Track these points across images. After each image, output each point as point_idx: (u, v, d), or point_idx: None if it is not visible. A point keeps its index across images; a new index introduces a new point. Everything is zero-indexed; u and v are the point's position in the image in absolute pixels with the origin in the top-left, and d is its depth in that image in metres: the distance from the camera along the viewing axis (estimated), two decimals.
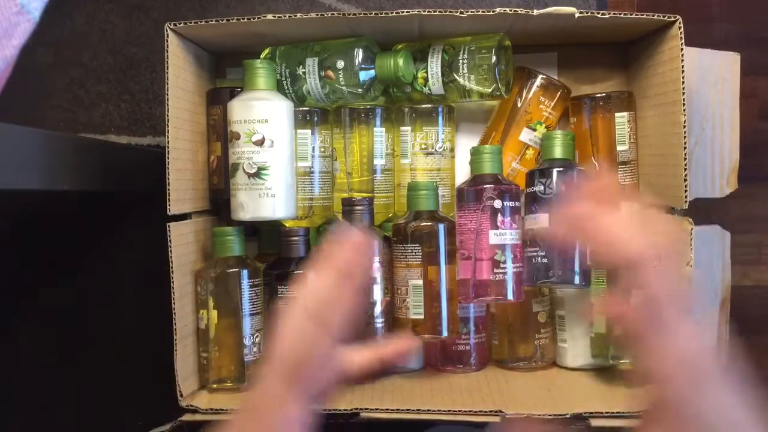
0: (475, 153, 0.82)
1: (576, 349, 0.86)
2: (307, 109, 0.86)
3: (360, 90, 0.83)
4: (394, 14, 0.77)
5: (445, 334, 0.80)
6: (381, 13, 0.77)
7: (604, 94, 0.87)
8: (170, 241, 0.76)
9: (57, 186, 0.70)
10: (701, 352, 0.48)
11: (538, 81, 0.87)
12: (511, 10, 0.76)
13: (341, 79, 0.82)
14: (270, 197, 0.80)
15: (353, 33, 0.84)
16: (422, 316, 0.79)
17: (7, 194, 0.62)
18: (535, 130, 0.87)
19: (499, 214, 0.79)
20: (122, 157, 0.91)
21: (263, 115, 0.79)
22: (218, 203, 0.87)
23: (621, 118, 0.86)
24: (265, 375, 0.49)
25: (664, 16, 0.77)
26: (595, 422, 0.74)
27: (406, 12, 0.76)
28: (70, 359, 0.95)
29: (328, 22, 0.79)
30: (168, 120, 0.78)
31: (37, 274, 0.93)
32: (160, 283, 0.77)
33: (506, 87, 0.84)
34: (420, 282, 0.79)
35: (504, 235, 0.79)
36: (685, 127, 0.75)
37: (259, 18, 0.78)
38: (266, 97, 0.81)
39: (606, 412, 0.74)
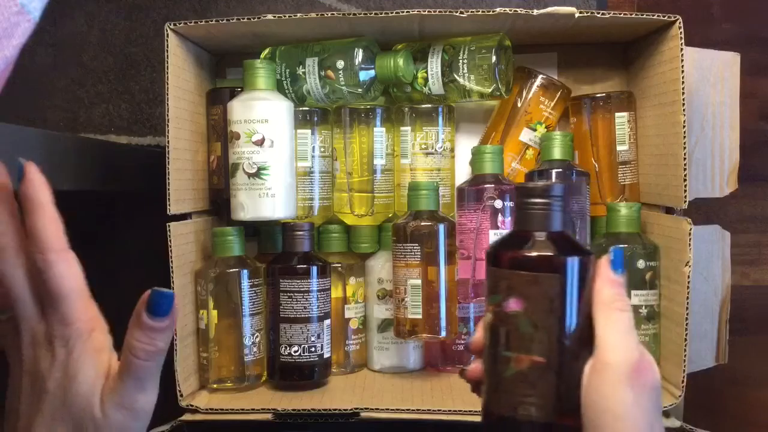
0: (476, 153, 0.82)
1: None
2: (307, 109, 0.86)
3: (360, 90, 0.83)
4: (394, 14, 0.77)
5: (443, 334, 0.80)
6: (381, 13, 0.77)
7: (604, 94, 0.87)
8: (170, 241, 0.76)
9: (57, 186, 0.69)
10: None
11: (538, 81, 0.87)
12: (511, 10, 0.76)
13: (341, 79, 0.82)
14: (270, 197, 0.80)
15: (353, 33, 0.84)
16: (420, 316, 0.80)
17: None
18: (535, 130, 0.87)
19: (499, 214, 0.79)
20: (122, 157, 0.91)
21: (263, 115, 0.79)
22: (218, 203, 0.87)
23: (621, 118, 0.86)
24: None
25: (664, 16, 0.77)
26: None
27: (406, 12, 0.76)
28: None
29: (328, 22, 0.79)
30: (168, 120, 0.78)
31: None
32: (160, 283, 0.77)
33: (506, 87, 0.84)
34: (419, 282, 0.79)
35: None
36: (685, 127, 0.75)
37: (259, 18, 0.78)
38: (266, 97, 0.81)
39: None
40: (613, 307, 0.46)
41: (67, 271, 0.43)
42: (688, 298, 0.75)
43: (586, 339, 0.46)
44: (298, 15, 0.78)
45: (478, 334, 0.51)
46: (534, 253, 0.46)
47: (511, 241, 0.48)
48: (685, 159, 0.75)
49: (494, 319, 0.47)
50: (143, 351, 0.42)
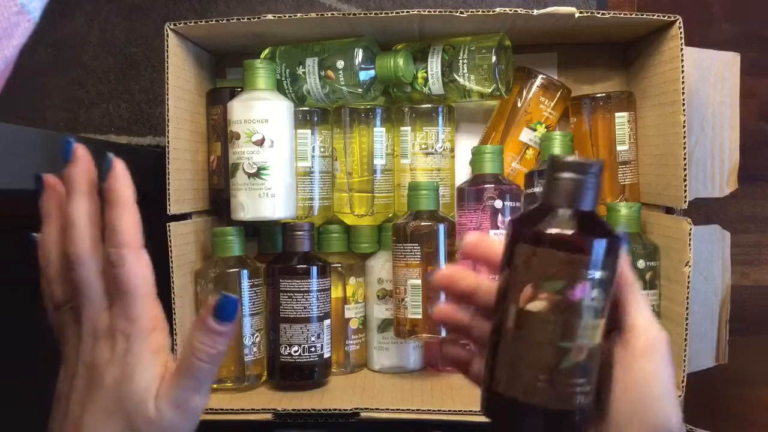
0: (477, 153, 0.82)
1: None
2: (307, 109, 0.87)
3: (360, 90, 0.83)
4: (394, 14, 0.77)
5: (443, 333, 0.80)
6: (381, 13, 0.77)
7: (604, 94, 0.87)
8: (170, 241, 0.76)
9: None
10: None
11: (538, 81, 0.87)
12: (511, 10, 0.76)
13: (341, 79, 0.82)
14: (270, 197, 0.80)
15: (353, 33, 0.84)
16: (420, 316, 0.80)
17: (7, 194, 0.62)
18: (535, 130, 0.87)
19: (499, 214, 0.79)
20: (122, 157, 0.91)
21: (263, 115, 0.79)
22: (218, 203, 0.87)
23: (621, 118, 0.86)
24: None
25: (664, 16, 0.77)
26: None
27: (406, 12, 0.76)
28: None
29: (328, 22, 0.79)
30: (168, 120, 0.78)
31: (37, 274, 0.93)
32: (160, 283, 0.77)
33: (506, 87, 0.84)
34: (419, 282, 0.79)
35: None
36: (685, 127, 0.75)
37: (259, 18, 0.78)
38: (266, 97, 0.81)
39: None
40: (637, 287, 0.45)
41: (138, 269, 0.43)
42: (688, 298, 0.75)
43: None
44: (298, 15, 0.78)
45: (444, 273, 0.49)
46: (604, 234, 0.42)
47: (562, 220, 0.42)
48: (685, 159, 0.75)
49: (551, 308, 0.41)
50: (205, 353, 0.43)
